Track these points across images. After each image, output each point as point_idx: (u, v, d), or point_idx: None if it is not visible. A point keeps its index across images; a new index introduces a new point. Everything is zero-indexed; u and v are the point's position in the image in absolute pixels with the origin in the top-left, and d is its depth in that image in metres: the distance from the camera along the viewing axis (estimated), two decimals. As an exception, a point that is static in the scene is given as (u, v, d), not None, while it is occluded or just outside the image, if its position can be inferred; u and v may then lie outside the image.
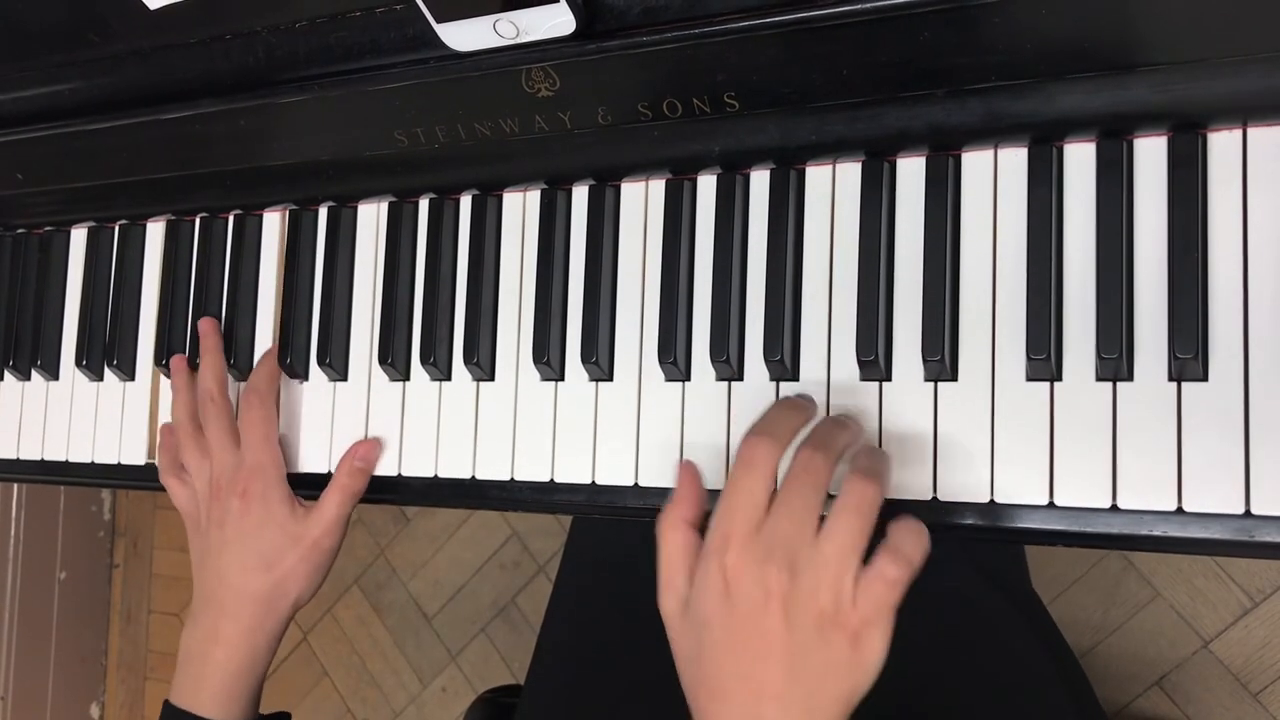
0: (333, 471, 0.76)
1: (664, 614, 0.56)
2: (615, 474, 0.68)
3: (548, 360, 0.69)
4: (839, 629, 0.51)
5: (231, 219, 0.82)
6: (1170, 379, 0.56)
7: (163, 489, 0.80)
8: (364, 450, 0.74)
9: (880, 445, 0.61)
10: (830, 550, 0.52)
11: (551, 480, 0.70)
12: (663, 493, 0.67)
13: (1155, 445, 0.55)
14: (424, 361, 0.73)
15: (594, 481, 0.68)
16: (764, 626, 0.51)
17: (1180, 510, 0.55)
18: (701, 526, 0.57)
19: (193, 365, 0.81)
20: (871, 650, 0.51)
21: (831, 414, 0.62)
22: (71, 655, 2.09)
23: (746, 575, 0.52)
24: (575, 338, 0.69)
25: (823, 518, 0.53)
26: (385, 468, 0.75)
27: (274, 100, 0.69)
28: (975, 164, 0.61)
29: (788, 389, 0.64)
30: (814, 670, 0.51)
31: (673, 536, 0.56)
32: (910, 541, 0.53)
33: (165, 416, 0.83)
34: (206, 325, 0.80)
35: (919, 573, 0.52)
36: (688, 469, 0.59)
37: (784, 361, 0.63)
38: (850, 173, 0.63)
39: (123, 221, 0.86)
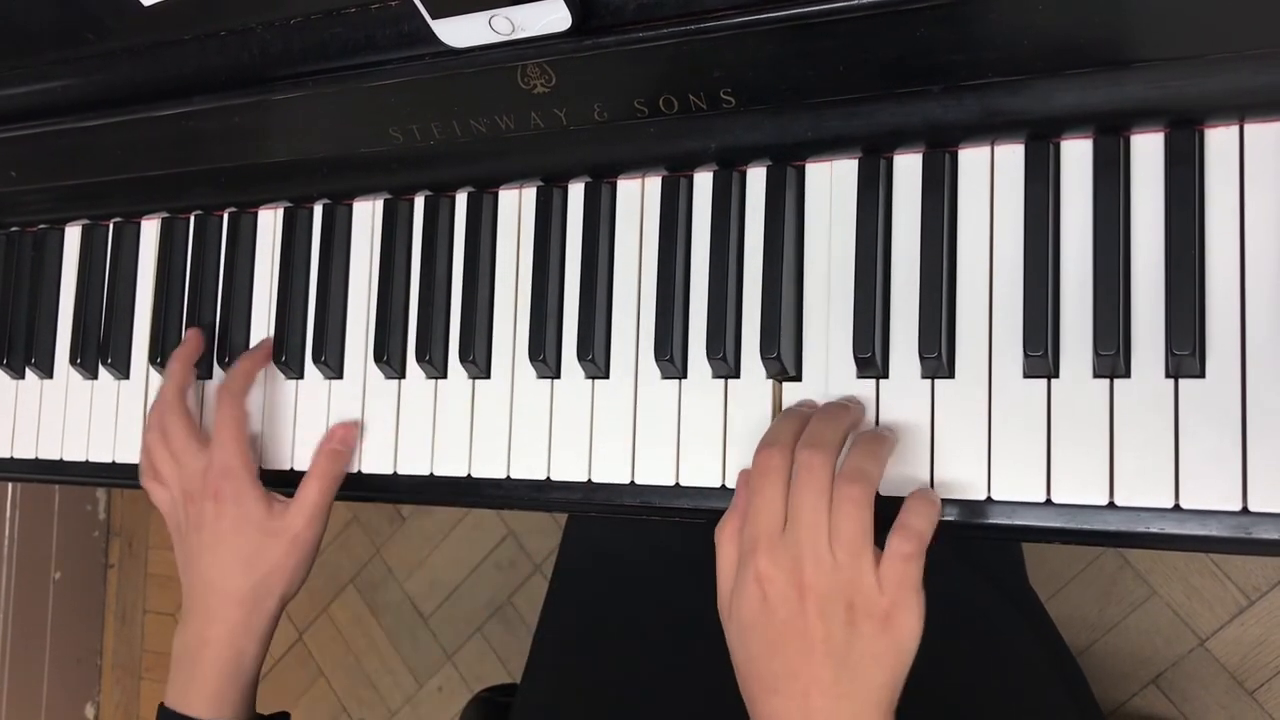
0: (328, 469, 0.75)
1: (721, 617, 0.60)
2: (611, 472, 0.68)
3: (544, 358, 0.69)
4: (869, 618, 0.54)
5: (226, 217, 0.82)
6: (1167, 376, 0.56)
7: (157, 488, 0.80)
8: (341, 433, 0.74)
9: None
10: (840, 552, 0.55)
11: (547, 478, 0.70)
12: (659, 491, 0.66)
13: (1152, 442, 0.55)
14: (419, 359, 0.73)
15: (590, 480, 0.68)
16: (801, 625, 0.55)
17: (1177, 507, 0.55)
18: None
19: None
20: (905, 629, 0.55)
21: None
22: (66, 655, 2.09)
23: (778, 579, 0.56)
24: (571, 335, 0.69)
25: None
26: (381, 465, 0.75)
27: (269, 97, 0.69)
28: (972, 160, 0.61)
29: (785, 387, 0.64)
30: (854, 660, 0.54)
31: (727, 547, 0.60)
32: (917, 514, 0.56)
33: (160, 415, 0.83)
34: (191, 334, 0.80)
35: (932, 539, 0.56)
36: (745, 478, 0.61)
37: (780, 359, 0.63)
38: (847, 169, 0.63)
39: (117, 219, 0.86)
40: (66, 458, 0.87)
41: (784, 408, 0.64)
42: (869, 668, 0.54)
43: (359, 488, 0.75)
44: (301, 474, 0.77)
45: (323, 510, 0.74)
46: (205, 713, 0.72)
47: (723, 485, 0.65)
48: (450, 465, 0.73)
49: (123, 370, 0.85)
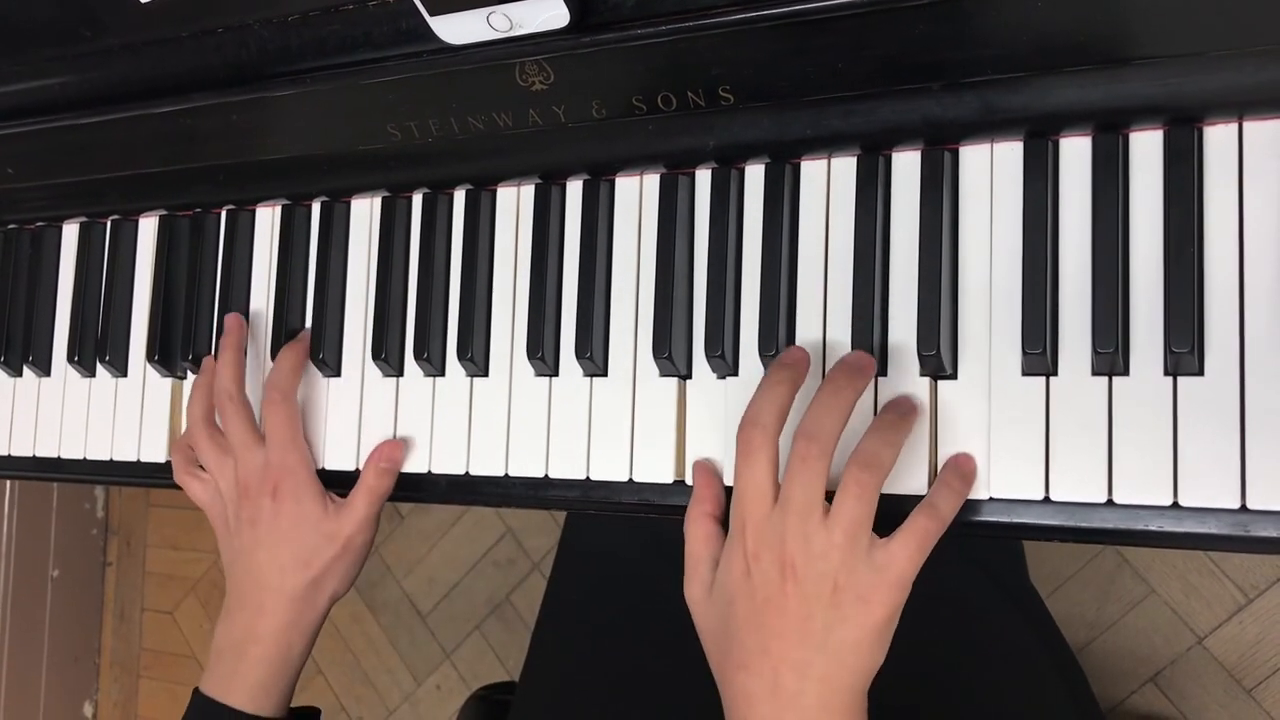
0: (325, 467, 0.75)
1: (689, 599, 0.61)
2: (609, 470, 0.68)
3: (542, 355, 0.69)
4: (855, 602, 0.55)
5: (224, 214, 0.81)
6: (1166, 374, 0.56)
7: (155, 486, 0.80)
8: (389, 451, 0.74)
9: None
10: (836, 533, 0.55)
11: (546, 476, 0.70)
12: (657, 489, 0.66)
13: (1151, 440, 0.55)
14: (417, 357, 0.73)
15: (588, 477, 0.68)
16: (781, 604, 0.55)
17: (1176, 505, 0.55)
18: (724, 519, 0.62)
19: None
20: (884, 617, 0.55)
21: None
22: (64, 653, 2.09)
23: (763, 558, 0.56)
24: (569, 333, 0.69)
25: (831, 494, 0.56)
26: (379, 464, 0.75)
27: (267, 94, 0.69)
28: (971, 158, 0.61)
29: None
30: (832, 644, 0.55)
31: (695, 529, 0.62)
32: (946, 499, 0.57)
33: (154, 412, 0.83)
34: (231, 320, 0.79)
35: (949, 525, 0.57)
36: (701, 467, 0.64)
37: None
38: (846, 167, 0.63)
39: (115, 217, 0.86)
40: (64, 455, 0.87)
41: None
42: (845, 653, 0.55)
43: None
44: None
45: (372, 520, 0.74)
46: (247, 705, 0.72)
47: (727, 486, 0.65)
48: (449, 463, 0.73)
49: (120, 368, 0.85)
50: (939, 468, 0.59)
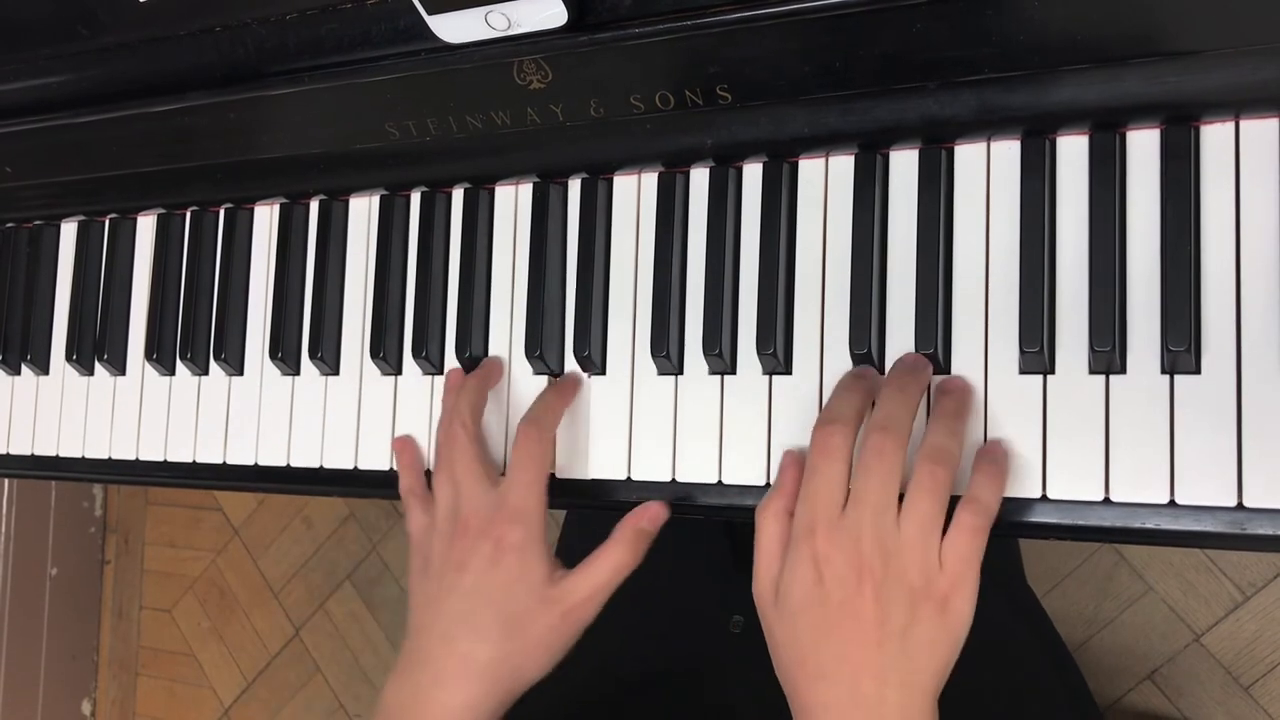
0: (324, 466, 0.75)
1: (757, 600, 0.58)
2: (608, 468, 0.68)
3: (540, 354, 0.69)
4: (929, 600, 0.53)
5: (222, 213, 0.81)
6: (1163, 372, 0.56)
7: (153, 484, 0.79)
8: (655, 512, 0.65)
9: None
10: (911, 530, 0.54)
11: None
12: (656, 487, 0.66)
13: (1148, 438, 0.55)
14: (415, 355, 0.73)
15: (586, 476, 0.68)
16: (857, 608, 0.53)
17: (1173, 503, 0.55)
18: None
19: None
20: (960, 615, 0.54)
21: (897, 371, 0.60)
22: (62, 652, 2.09)
23: (836, 561, 0.54)
24: (568, 332, 0.69)
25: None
26: (378, 462, 0.75)
27: (264, 93, 0.69)
28: (968, 156, 0.61)
29: (781, 382, 0.64)
30: (909, 646, 0.53)
31: (770, 527, 0.58)
32: (986, 487, 0.55)
33: (152, 411, 0.83)
34: (494, 363, 0.71)
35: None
36: (791, 459, 0.59)
37: (777, 355, 0.63)
38: (844, 166, 0.63)
39: (113, 215, 0.86)
40: (62, 454, 0.87)
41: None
42: (922, 655, 0.53)
43: (358, 484, 0.75)
44: (303, 470, 0.76)
45: (607, 591, 0.64)
46: None
47: (719, 481, 0.65)
48: (447, 461, 0.72)
49: (118, 367, 0.85)
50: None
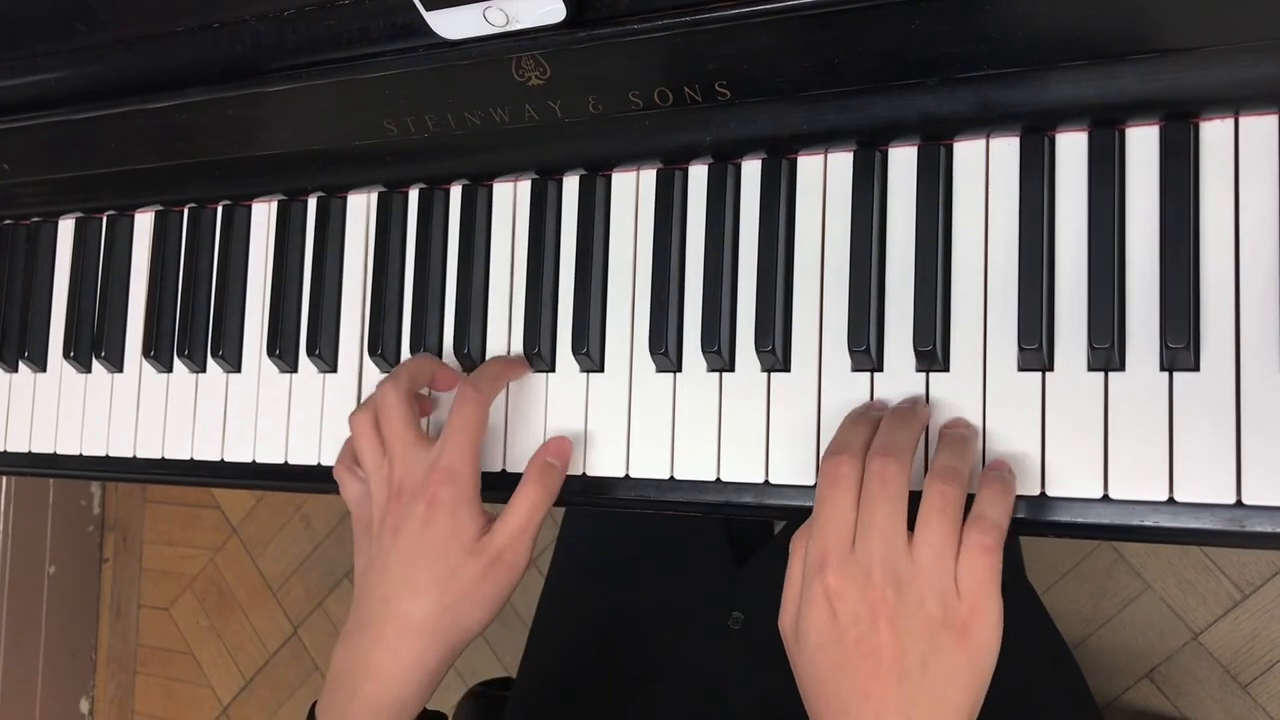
0: (322, 463, 0.75)
1: (782, 632, 0.57)
2: (606, 466, 0.68)
3: (538, 352, 0.69)
4: (947, 629, 0.51)
5: (220, 209, 0.81)
6: (1162, 369, 0.56)
7: (151, 482, 0.79)
8: (557, 446, 0.66)
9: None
10: (925, 558, 0.52)
11: (543, 471, 0.69)
12: (654, 485, 0.66)
13: (1147, 435, 0.55)
14: (414, 352, 0.73)
15: (585, 474, 0.68)
16: (874, 645, 0.52)
17: (1171, 500, 0.55)
18: None
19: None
20: (983, 643, 0.52)
21: (898, 402, 0.60)
22: (61, 650, 2.09)
23: (849, 596, 0.52)
24: (566, 329, 0.69)
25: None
26: (375, 459, 0.74)
27: (262, 89, 0.69)
28: (967, 153, 0.61)
29: (779, 379, 0.64)
30: (930, 680, 0.51)
31: (796, 560, 0.57)
32: (993, 503, 0.54)
33: (150, 408, 0.83)
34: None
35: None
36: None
37: (775, 352, 0.63)
38: (842, 162, 0.63)
39: (111, 212, 0.86)
40: (60, 451, 0.87)
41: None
42: (944, 688, 0.51)
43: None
44: (301, 468, 0.76)
45: (529, 531, 0.64)
46: None
47: (717, 479, 0.65)
48: (445, 459, 0.72)
49: (116, 364, 0.84)
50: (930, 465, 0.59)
